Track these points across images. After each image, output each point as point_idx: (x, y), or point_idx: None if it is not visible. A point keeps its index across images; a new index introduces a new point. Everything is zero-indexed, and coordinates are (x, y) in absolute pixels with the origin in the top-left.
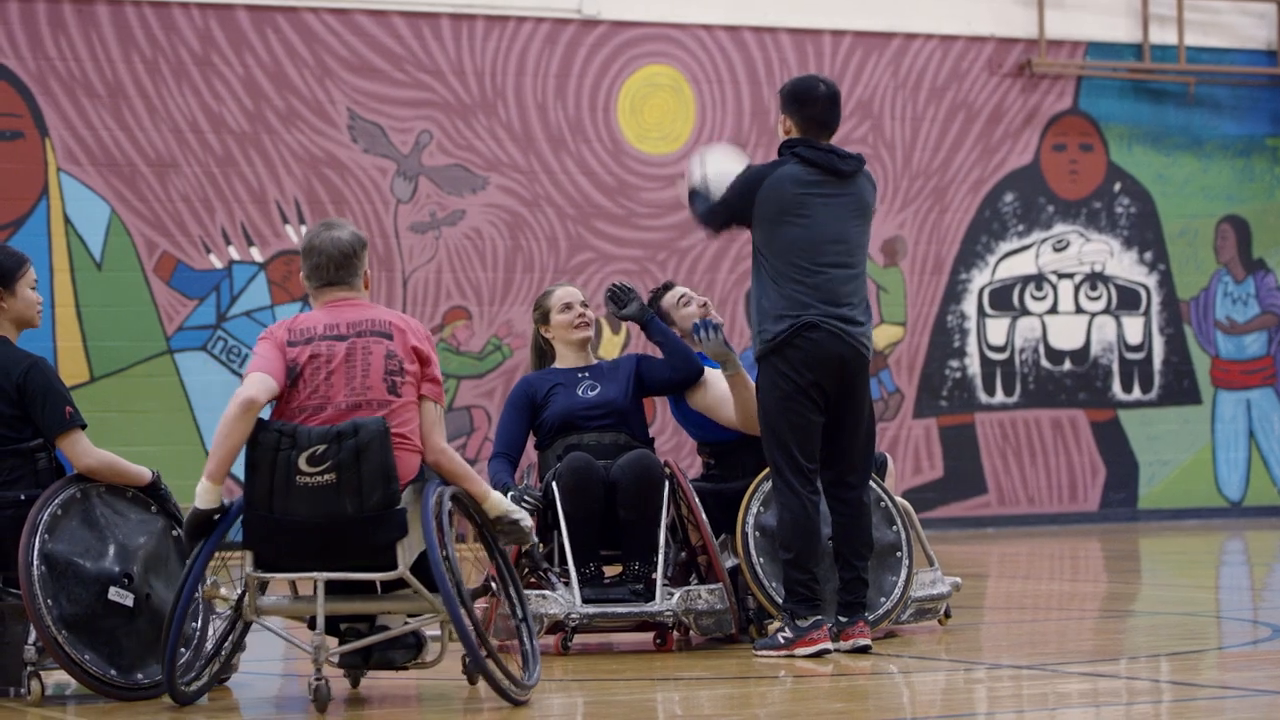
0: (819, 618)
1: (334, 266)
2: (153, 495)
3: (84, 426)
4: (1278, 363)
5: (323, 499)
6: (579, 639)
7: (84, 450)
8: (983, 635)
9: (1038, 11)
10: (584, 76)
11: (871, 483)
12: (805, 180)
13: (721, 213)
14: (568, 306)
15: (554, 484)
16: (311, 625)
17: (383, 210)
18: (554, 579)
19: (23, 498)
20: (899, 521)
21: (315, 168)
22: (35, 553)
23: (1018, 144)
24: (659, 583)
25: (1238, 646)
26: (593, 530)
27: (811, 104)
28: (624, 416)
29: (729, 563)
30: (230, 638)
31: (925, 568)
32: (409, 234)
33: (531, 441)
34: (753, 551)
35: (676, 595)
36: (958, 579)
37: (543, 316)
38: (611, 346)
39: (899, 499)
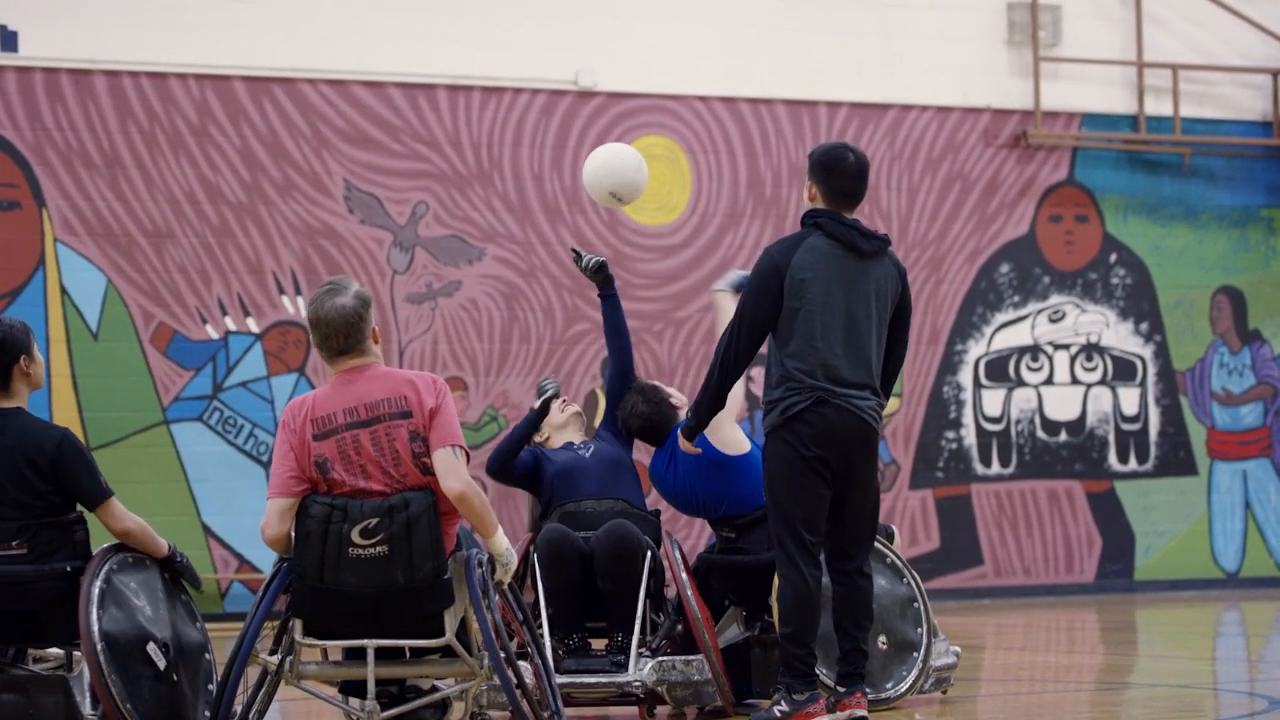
0: (815, 692)
1: (342, 336)
2: (167, 567)
3: (115, 497)
4: (1274, 433)
5: (375, 570)
6: (572, 711)
7: (122, 515)
8: (979, 708)
9: (1033, 83)
10: (580, 147)
11: (911, 580)
12: (826, 254)
13: (747, 321)
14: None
15: (534, 556)
16: (343, 690)
17: (379, 281)
18: (545, 646)
19: (69, 569)
20: (908, 574)
21: (312, 238)
22: (96, 631)
23: (1013, 215)
24: (633, 653)
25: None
26: (575, 602)
27: (839, 175)
28: (622, 467)
29: (737, 636)
30: (256, 703)
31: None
32: (405, 305)
33: (530, 518)
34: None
35: (649, 665)
36: (957, 648)
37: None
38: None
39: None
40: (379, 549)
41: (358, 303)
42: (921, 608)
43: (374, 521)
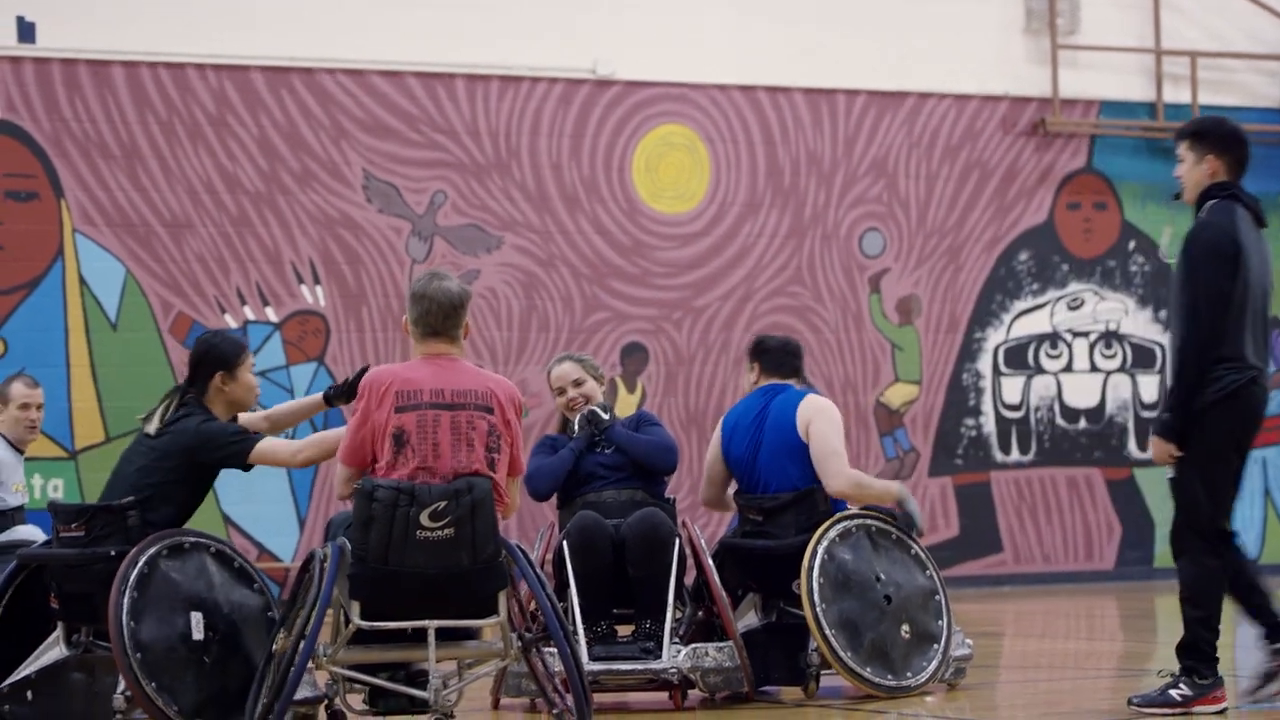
0: (1219, 678)
1: (442, 316)
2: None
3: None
4: None
5: (442, 552)
6: (600, 698)
7: (287, 451)
8: (998, 695)
9: (1051, 71)
10: (599, 136)
11: (933, 571)
12: (1250, 226)
13: (1218, 301)
14: (560, 390)
15: (564, 543)
16: (373, 672)
17: (398, 270)
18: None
19: (113, 553)
20: (945, 618)
21: (330, 228)
22: (125, 609)
23: (1032, 202)
24: (666, 640)
25: (1254, 706)
26: (603, 588)
27: (1241, 145)
28: (641, 474)
29: (755, 621)
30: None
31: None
32: None
33: (554, 500)
34: (817, 600)
35: (683, 652)
36: (969, 641)
37: (552, 393)
38: (627, 405)
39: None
40: (446, 531)
41: (462, 291)
42: (942, 600)
43: (443, 504)
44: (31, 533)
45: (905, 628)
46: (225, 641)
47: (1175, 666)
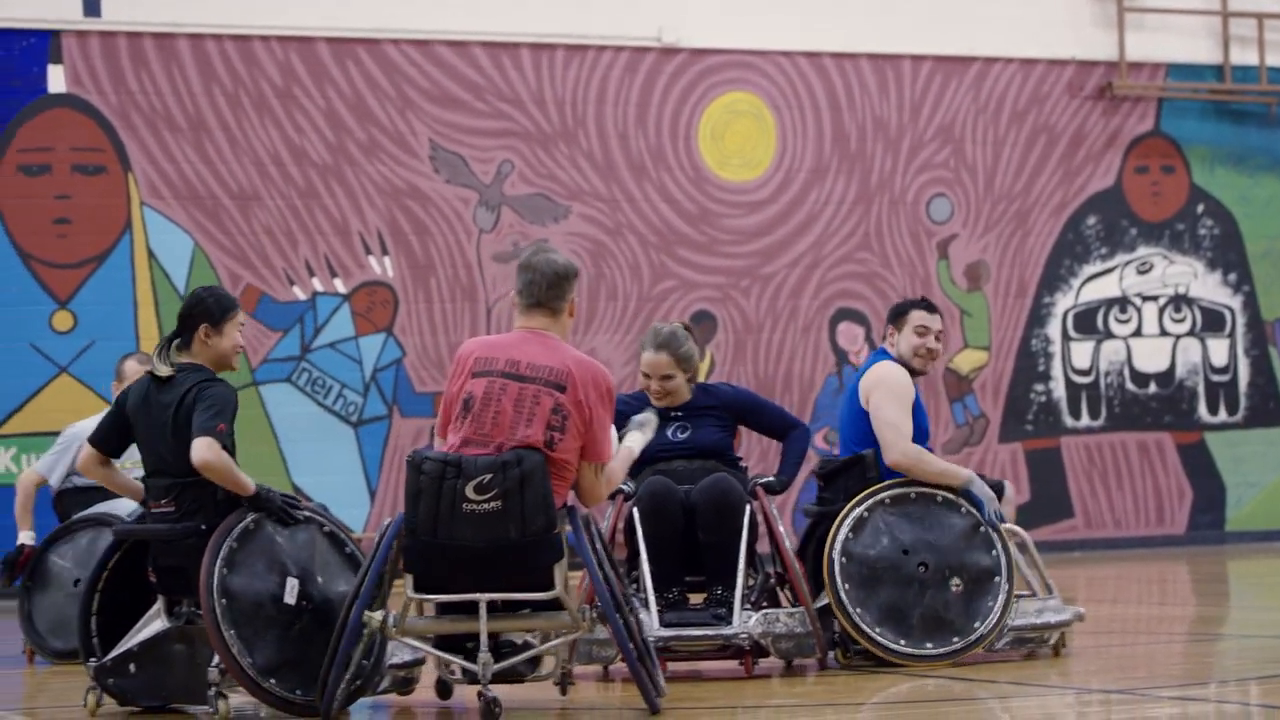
0: None
1: (545, 285)
2: (254, 505)
3: (223, 444)
4: None
5: (488, 525)
6: (671, 665)
7: (202, 449)
8: (1071, 660)
9: (1118, 34)
10: (664, 104)
11: (969, 508)
12: None
13: None
14: (646, 377)
15: (634, 509)
16: (439, 645)
17: (465, 240)
18: (636, 603)
19: (203, 527)
20: (998, 546)
21: (397, 199)
22: (216, 582)
23: (1099, 167)
24: (737, 606)
25: None
26: (674, 554)
27: None
28: (713, 452)
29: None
30: (370, 656)
31: (1033, 595)
32: (492, 264)
33: None
34: (838, 577)
35: (754, 618)
36: (1080, 609)
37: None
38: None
39: (1014, 526)
40: (493, 504)
41: (568, 265)
42: (987, 531)
43: (488, 477)
44: (127, 506)
45: (954, 581)
46: (317, 615)
47: (1246, 630)
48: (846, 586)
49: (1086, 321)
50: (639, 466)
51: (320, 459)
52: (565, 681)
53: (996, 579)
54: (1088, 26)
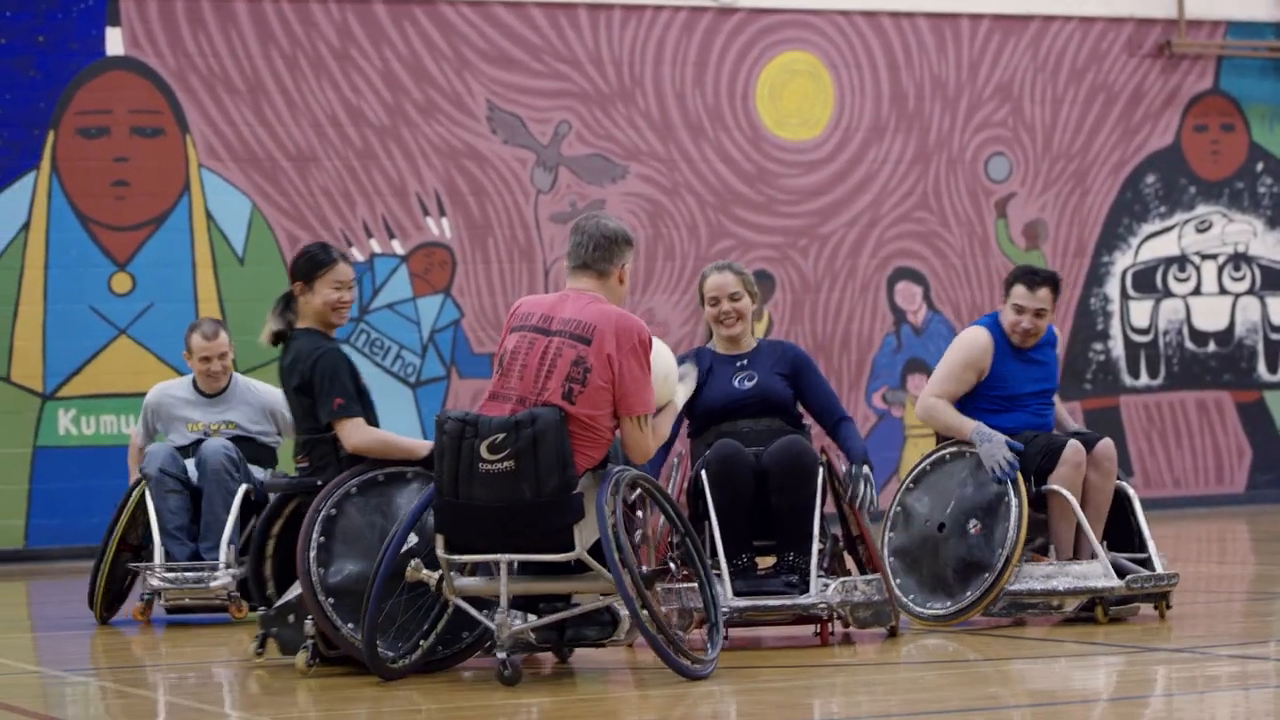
0: None
1: (592, 246)
2: (425, 465)
3: (353, 417)
4: None
5: (503, 485)
6: (741, 632)
7: (347, 434)
8: (1130, 620)
9: None
10: (722, 64)
11: (971, 451)
12: None
13: None
14: (714, 300)
15: (702, 473)
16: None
17: (523, 201)
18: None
19: (319, 483)
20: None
21: (455, 159)
22: (315, 532)
23: (1158, 125)
24: (813, 574)
25: None
26: (744, 520)
27: None
28: (779, 405)
29: None
30: (439, 619)
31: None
32: (549, 224)
33: (685, 430)
34: (891, 577)
35: (832, 586)
36: (1116, 581)
37: (700, 300)
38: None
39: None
40: (506, 464)
41: (619, 230)
42: (993, 461)
43: (500, 437)
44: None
45: (972, 522)
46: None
47: None
48: (898, 581)
49: (1145, 280)
50: (705, 423)
51: (379, 420)
52: (626, 641)
53: (1006, 499)
54: None
